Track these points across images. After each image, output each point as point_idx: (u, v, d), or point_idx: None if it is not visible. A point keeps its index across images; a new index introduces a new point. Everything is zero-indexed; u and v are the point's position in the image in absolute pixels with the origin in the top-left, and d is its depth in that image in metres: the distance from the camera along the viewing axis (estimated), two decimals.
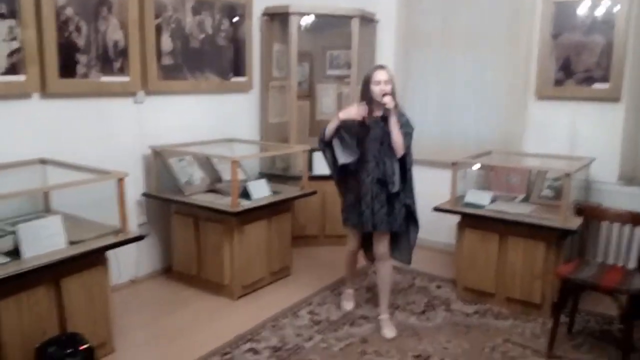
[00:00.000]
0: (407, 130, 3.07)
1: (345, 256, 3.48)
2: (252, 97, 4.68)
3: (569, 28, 3.96)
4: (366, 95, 3.09)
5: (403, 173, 3.11)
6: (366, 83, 3.07)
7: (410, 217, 3.22)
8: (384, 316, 3.30)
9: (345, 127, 3.13)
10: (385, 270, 3.26)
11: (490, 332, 3.24)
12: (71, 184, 2.74)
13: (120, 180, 2.80)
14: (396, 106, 3.03)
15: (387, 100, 2.96)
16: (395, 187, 3.06)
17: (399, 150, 3.04)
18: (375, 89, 3.02)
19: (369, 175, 3.08)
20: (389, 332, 3.22)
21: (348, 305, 3.53)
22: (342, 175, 3.24)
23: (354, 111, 3.07)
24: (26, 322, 2.44)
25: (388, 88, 3.01)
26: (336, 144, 3.19)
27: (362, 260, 3.65)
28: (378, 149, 3.07)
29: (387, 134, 3.03)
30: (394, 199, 3.09)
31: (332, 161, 3.24)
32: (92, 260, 2.68)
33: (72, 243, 2.63)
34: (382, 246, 3.19)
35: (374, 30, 4.86)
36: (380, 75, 3.03)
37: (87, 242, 2.67)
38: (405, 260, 3.34)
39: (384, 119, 3.03)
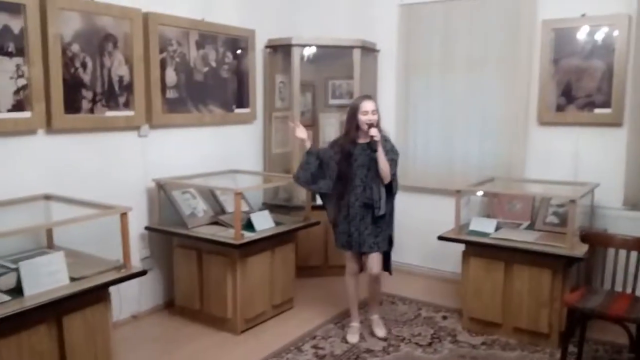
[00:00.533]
0: (393, 157, 3.27)
1: (346, 281, 3.55)
2: (255, 128, 4.72)
3: (569, 53, 3.98)
4: (352, 123, 3.25)
5: (388, 197, 3.28)
6: (353, 112, 3.24)
7: (389, 238, 3.42)
8: (375, 316, 3.56)
9: (325, 159, 3.36)
10: (377, 284, 3.49)
11: None
12: (73, 220, 2.75)
13: (124, 215, 2.81)
14: (380, 132, 3.20)
15: (374, 132, 3.13)
16: (382, 211, 3.23)
17: (386, 177, 3.21)
18: (363, 119, 3.19)
19: (357, 199, 3.26)
20: (380, 331, 3.51)
21: (352, 338, 3.50)
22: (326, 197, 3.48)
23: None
24: None
25: (375, 117, 3.19)
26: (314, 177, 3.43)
27: (364, 291, 3.62)
28: (365, 174, 3.24)
29: (373, 161, 3.20)
30: (379, 221, 3.27)
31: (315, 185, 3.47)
32: (94, 296, 2.66)
33: (74, 279, 2.62)
34: (375, 266, 3.35)
35: (375, 59, 4.92)
36: (367, 106, 3.21)
37: (90, 279, 2.66)
38: (388, 269, 3.55)
39: (370, 145, 3.17)
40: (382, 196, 3.24)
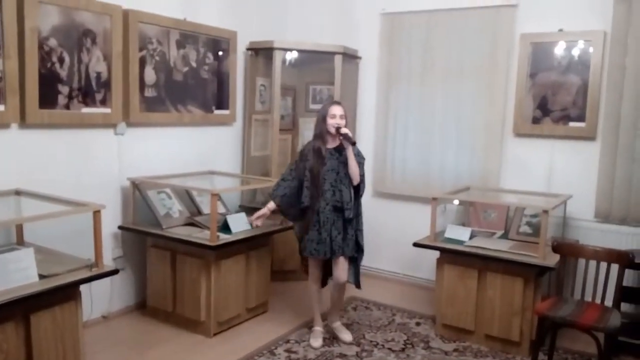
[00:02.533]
0: (360, 160, 3.34)
1: (310, 287, 3.56)
2: (234, 130, 4.70)
3: (546, 67, 4.06)
4: (322, 127, 3.30)
5: (355, 199, 3.34)
6: (322, 117, 3.31)
7: (357, 243, 3.40)
8: (337, 323, 3.60)
9: (298, 167, 3.38)
10: (342, 291, 3.50)
11: None
12: (44, 216, 2.69)
13: (96, 213, 2.76)
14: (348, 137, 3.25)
15: (346, 130, 3.22)
16: (351, 213, 3.27)
17: (356, 177, 3.29)
18: (331, 122, 3.26)
19: (327, 204, 3.28)
20: (346, 335, 3.54)
21: (316, 342, 3.48)
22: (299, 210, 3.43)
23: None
24: None
25: (343, 122, 3.27)
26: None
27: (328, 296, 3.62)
28: (335, 178, 3.28)
29: (342, 164, 3.28)
30: (348, 225, 3.30)
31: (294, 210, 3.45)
32: (63, 294, 2.61)
33: (43, 277, 2.57)
34: (342, 271, 3.36)
35: (357, 66, 4.94)
36: (336, 110, 3.28)
37: (59, 276, 2.61)
38: (357, 283, 3.51)
39: (338, 150, 3.27)
40: (352, 199, 3.29)
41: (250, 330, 3.68)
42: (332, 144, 3.32)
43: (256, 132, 4.80)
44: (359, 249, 3.42)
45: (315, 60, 4.87)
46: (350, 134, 3.24)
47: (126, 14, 3.60)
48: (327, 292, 3.64)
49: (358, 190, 3.36)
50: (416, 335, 3.69)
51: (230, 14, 4.50)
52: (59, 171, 3.36)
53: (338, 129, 3.24)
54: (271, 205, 3.41)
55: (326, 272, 3.56)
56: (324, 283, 3.61)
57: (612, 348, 2.96)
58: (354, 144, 3.25)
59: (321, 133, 3.32)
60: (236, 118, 4.63)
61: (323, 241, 3.28)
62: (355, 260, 3.46)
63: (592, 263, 3.14)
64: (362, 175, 3.33)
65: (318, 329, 3.58)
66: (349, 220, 3.30)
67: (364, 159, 3.40)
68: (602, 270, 3.10)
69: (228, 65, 4.46)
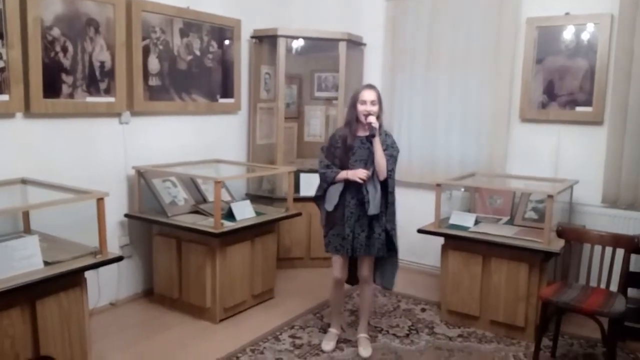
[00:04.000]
0: (392, 153, 3.04)
1: (331, 285, 3.30)
2: (239, 119, 4.70)
3: (553, 52, 4.01)
4: (352, 114, 3.07)
5: (385, 196, 3.06)
6: (353, 102, 3.06)
7: (390, 243, 3.14)
8: (362, 335, 3.29)
9: (330, 153, 3.12)
10: (367, 293, 3.27)
11: (472, 356, 3.21)
12: (50, 203, 2.72)
13: (100, 200, 2.78)
14: (381, 126, 3.03)
15: (372, 119, 2.95)
16: (373, 210, 2.97)
17: (382, 172, 2.99)
18: (360, 109, 3.00)
19: (353, 198, 3.03)
20: (364, 351, 3.20)
21: (327, 345, 3.26)
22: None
23: (360, 174, 2.98)
24: None
25: (374, 109, 2.99)
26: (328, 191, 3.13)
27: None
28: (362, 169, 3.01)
29: (372, 155, 2.99)
30: (375, 223, 3.03)
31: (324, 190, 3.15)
32: (69, 281, 2.64)
33: (49, 264, 2.60)
34: (365, 269, 3.17)
35: (362, 53, 4.92)
36: (367, 95, 3.01)
37: (64, 263, 2.64)
38: (388, 285, 3.26)
39: (369, 139, 3.00)
40: (377, 193, 2.99)
41: (256, 316, 3.71)
42: (362, 132, 3.04)
43: (261, 120, 4.80)
44: (390, 249, 3.15)
45: (320, 48, 4.86)
46: (375, 124, 2.95)
47: (129, 3, 3.61)
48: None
49: (387, 186, 3.06)
50: (421, 321, 3.69)
51: (234, 2, 4.48)
52: (65, 160, 3.39)
53: (367, 115, 2.98)
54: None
55: (355, 270, 3.28)
56: (353, 281, 3.36)
57: (618, 333, 2.93)
58: (372, 136, 2.95)
59: (350, 121, 3.07)
60: (241, 107, 4.63)
61: (346, 237, 3.04)
62: (390, 260, 3.20)
63: (597, 248, 3.11)
64: (390, 171, 3.01)
65: (333, 331, 3.34)
66: (376, 217, 3.02)
67: (397, 151, 3.08)
68: (607, 255, 3.08)
69: (232, 53, 4.46)
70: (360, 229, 3.03)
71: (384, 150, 2.99)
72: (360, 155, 3.03)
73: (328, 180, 3.09)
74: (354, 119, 3.06)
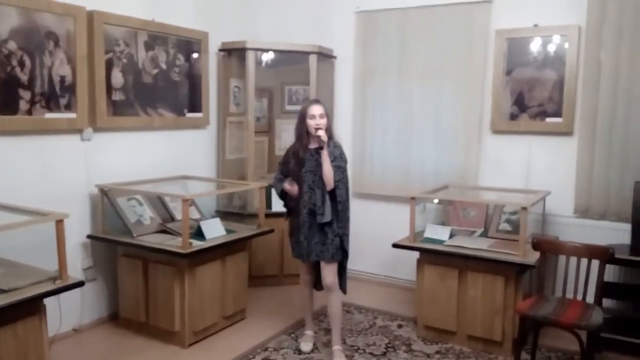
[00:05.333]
0: (339, 164, 3.17)
1: (301, 290, 3.48)
2: (208, 134, 4.59)
3: (522, 63, 4.03)
4: (302, 128, 3.19)
5: (335, 205, 3.15)
6: (302, 117, 3.18)
7: (342, 248, 3.22)
8: (336, 347, 3.29)
9: (285, 167, 3.32)
10: (333, 301, 3.26)
11: None
12: (5, 227, 2.55)
13: (59, 222, 2.64)
14: (330, 138, 3.14)
15: (321, 134, 3.06)
16: (325, 218, 3.11)
17: (329, 183, 3.10)
18: (311, 123, 3.12)
19: (305, 207, 3.17)
20: None
21: (306, 346, 3.42)
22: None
23: (290, 189, 3.23)
24: None
25: (323, 122, 3.12)
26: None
27: (322, 300, 3.53)
28: (312, 179, 3.15)
29: (320, 166, 3.12)
30: (328, 229, 3.14)
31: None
32: (26, 309, 2.48)
33: (4, 291, 2.44)
34: (328, 276, 3.21)
35: (332, 65, 4.87)
36: (315, 110, 3.14)
37: (21, 290, 2.48)
38: (341, 289, 3.34)
39: (318, 151, 3.12)
40: (326, 202, 3.11)
41: (227, 339, 3.57)
42: (313, 144, 3.17)
43: (231, 134, 4.70)
44: (344, 253, 3.24)
45: (290, 61, 4.79)
46: (324, 138, 3.05)
47: (91, 15, 3.47)
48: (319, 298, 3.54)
49: (335, 195, 3.16)
50: (398, 338, 3.62)
51: (201, 14, 4.39)
52: (23, 180, 3.22)
53: (318, 129, 3.08)
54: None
55: (319, 276, 3.35)
56: (318, 287, 3.44)
57: (596, 345, 2.91)
58: (321, 148, 3.07)
59: (300, 135, 3.19)
60: (210, 121, 4.52)
61: (301, 244, 3.21)
62: (340, 265, 3.29)
63: (573, 259, 3.10)
64: (338, 181, 3.12)
65: (309, 332, 3.51)
66: (328, 224, 3.13)
67: (345, 162, 3.21)
68: (582, 266, 3.06)
69: (200, 66, 4.35)
70: (312, 235, 3.18)
71: (332, 161, 3.11)
72: (310, 166, 3.17)
73: (277, 192, 3.35)
74: (304, 132, 3.18)
